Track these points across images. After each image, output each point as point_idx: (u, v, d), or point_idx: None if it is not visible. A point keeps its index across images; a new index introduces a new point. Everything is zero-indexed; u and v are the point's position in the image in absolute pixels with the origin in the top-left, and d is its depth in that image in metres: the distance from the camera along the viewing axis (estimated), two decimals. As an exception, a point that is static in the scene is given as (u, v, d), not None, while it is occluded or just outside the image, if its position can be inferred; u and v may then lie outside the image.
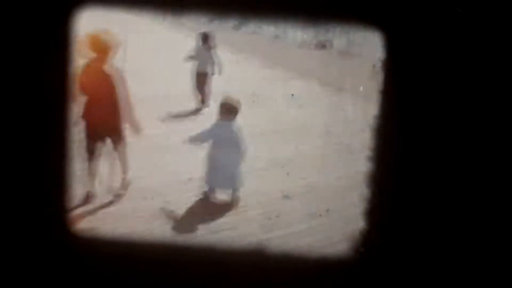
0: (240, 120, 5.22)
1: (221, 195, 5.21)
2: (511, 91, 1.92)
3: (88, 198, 4.67)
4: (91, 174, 4.72)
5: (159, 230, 4.56)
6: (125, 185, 4.90)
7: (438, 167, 1.98)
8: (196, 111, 7.66)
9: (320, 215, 5.07)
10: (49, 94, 1.99)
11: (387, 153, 2.03)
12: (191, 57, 7.91)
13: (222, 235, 4.61)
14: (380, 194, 2.05)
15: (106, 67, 4.52)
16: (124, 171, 4.92)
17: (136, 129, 4.79)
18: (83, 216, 4.45)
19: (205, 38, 7.86)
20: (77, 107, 4.41)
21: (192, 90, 7.92)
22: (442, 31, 1.90)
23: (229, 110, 4.91)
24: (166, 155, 5.70)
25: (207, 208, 5.02)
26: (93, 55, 4.46)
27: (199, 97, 7.91)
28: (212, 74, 7.99)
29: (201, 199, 5.10)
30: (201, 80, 7.86)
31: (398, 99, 1.99)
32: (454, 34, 1.90)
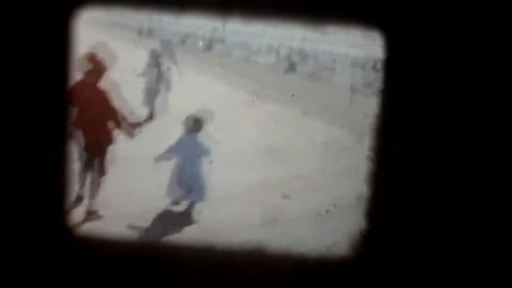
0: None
1: (181, 208, 5.13)
2: (511, 91, 1.92)
3: (77, 200, 4.71)
4: (80, 179, 4.79)
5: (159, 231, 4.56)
6: (92, 208, 4.85)
7: (438, 166, 1.98)
8: (144, 123, 7.68)
9: (320, 215, 5.07)
10: (49, 94, 1.99)
11: (387, 153, 2.03)
12: (142, 75, 8.34)
13: (222, 235, 4.61)
14: (380, 194, 2.05)
15: (100, 83, 4.70)
16: (96, 192, 4.91)
17: (131, 133, 4.94)
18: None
19: (156, 56, 8.35)
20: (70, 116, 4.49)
21: (143, 104, 8.21)
22: (442, 31, 1.90)
23: (195, 122, 5.11)
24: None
25: (171, 220, 4.99)
26: (88, 69, 4.64)
27: (148, 110, 8.26)
28: (166, 89, 8.44)
29: (166, 211, 5.05)
30: (151, 95, 8.35)
31: (398, 99, 1.99)
32: (454, 34, 1.90)
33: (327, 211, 5.14)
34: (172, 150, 5.03)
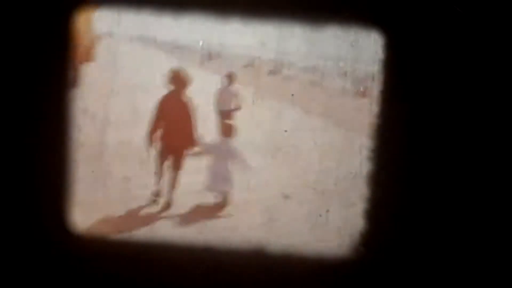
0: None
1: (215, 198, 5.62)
2: (511, 91, 1.92)
3: (165, 206, 5.41)
4: (159, 175, 5.54)
5: (159, 230, 4.57)
6: (170, 199, 5.55)
7: (438, 166, 1.98)
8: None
9: (320, 215, 5.08)
10: (49, 94, 2.00)
11: (387, 153, 2.03)
12: (218, 100, 8.14)
13: (222, 235, 4.61)
14: (380, 194, 2.05)
15: (184, 97, 5.59)
16: (174, 186, 5.61)
17: (196, 143, 5.74)
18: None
19: (230, 78, 8.20)
20: (153, 130, 5.46)
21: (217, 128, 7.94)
22: (442, 31, 1.90)
23: (226, 130, 5.86)
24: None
25: (208, 209, 5.30)
26: (173, 87, 5.56)
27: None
28: (236, 109, 8.21)
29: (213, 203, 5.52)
30: (226, 117, 8.08)
31: (398, 99, 1.99)
32: (454, 34, 1.91)
33: (327, 211, 5.14)
34: (207, 148, 5.84)
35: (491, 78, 1.92)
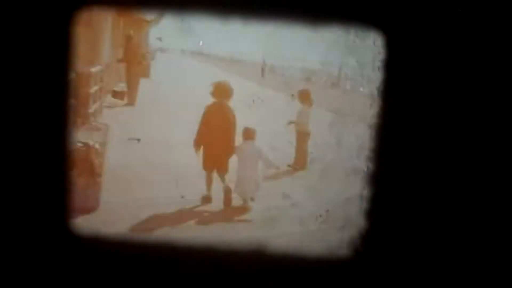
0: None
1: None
2: (511, 91, 1.92)
3: (205, 200, 5.64)
4: (208, 183, 5.81)
5: (160, 230, 4.58)
6: (227, 192, 5.77)
7: (438, 166, 1.98)
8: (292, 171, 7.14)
9: (320, 215, 5.09)
10: (50, 95, 2.00)
11: (387, 153, 2.03)
12: (292, 122, 7.50)
13: (222, 235, 4.62)
14: (380, 194, 2.05)
15: (227, 108, 5.93)
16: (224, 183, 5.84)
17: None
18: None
19: (305, 96, 7.49)
20: (199, 139, 5.76)
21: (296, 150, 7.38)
22: (442, 32, 1.90)
23: (248, 133, 6.06)
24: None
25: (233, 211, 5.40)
26: (216, 98, 5.89)
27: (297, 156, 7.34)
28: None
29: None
30: (302, 139, 7.41)
31: (398, 99, 1.99)
32: (454, 34, 1.91)
33: (327, 211, 5.15)
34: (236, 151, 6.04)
35: (492, 78, 1.93)
